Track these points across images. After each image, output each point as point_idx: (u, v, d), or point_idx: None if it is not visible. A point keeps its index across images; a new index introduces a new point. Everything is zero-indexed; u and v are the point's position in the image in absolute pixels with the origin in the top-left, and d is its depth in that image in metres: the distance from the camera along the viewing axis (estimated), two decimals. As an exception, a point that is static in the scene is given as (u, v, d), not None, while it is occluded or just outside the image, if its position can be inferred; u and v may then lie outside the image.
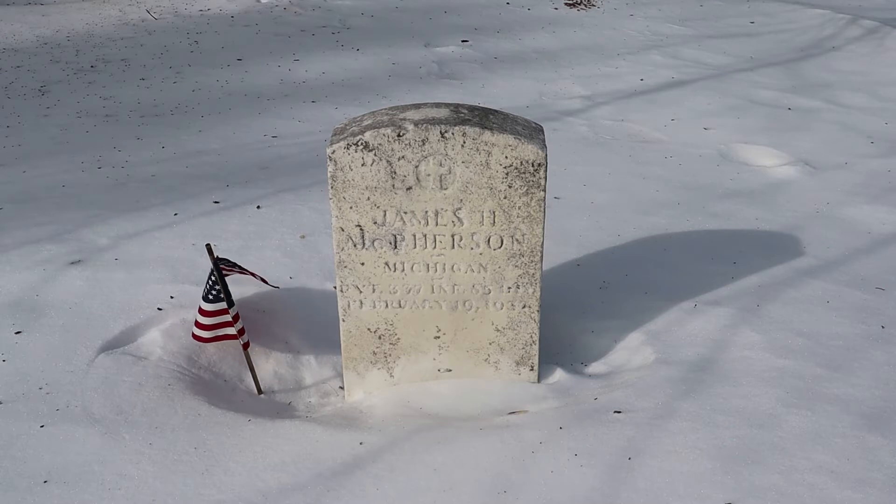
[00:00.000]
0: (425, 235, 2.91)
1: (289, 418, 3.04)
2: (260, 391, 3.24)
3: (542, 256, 2.96)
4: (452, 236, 2.91)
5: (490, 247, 2.93)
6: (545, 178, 2.83)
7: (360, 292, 3.00)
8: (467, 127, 2.75)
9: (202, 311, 3.14)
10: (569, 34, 7.86)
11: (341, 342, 3.10)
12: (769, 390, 2.96)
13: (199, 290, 3.32)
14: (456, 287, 3.00)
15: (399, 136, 2.76)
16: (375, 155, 2.78)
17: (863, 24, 7.89)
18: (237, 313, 3.16)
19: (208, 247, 3.11)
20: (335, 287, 3.07)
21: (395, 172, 2.81)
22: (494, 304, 3.03)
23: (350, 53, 7.28)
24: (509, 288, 3.00)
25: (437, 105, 2.90)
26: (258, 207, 4.38)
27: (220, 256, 3.16)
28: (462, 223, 2.89)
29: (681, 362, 3.15)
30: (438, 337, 3.09)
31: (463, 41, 7.61)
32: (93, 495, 2.56)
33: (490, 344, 3.10)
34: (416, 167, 2.80)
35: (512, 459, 2.65)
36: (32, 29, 7.79)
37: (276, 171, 4.91)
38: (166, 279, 3.67)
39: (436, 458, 2.68)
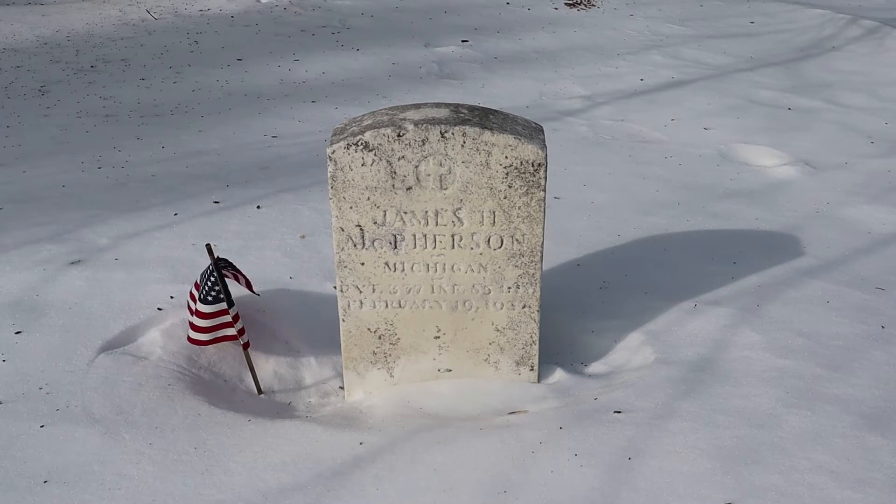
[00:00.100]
0: (425, 235, 2.90)
1: (289, 418, 3.04)
2: (260, 391, 3.24)
3: (542, 256, 2.96)
4: (452, 236, 2.91)
5: (490, 247, 2.92)
6: (545, 178, 2.83)
7: (360, 292, 3.00)
8: (467, 127, 2.75)
9: (199, 314, 3.11)
10: (569, 34, 7.86)
11: (341, 342, 3.10)
12: (769, 390, 2.96)
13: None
14: (456, 287, 3.00)
15: (399, 136, 2.76)
16: (375, 155, 2.78)
17: (863, 24, 7.88)
18: (237, 313, 3.16)
19: (208, 247, 3.11)
20: (335, 287, 3.07)
21: (395, 172, 2.81)
22: (494, 304, 3.03)
23: (350, 53, 7.27)
24: (509, 288, 3.00)
25: (437, 105, 2.90)
26: (258, 207, 4.38)
27: (220, 257, 3.16)
28: (462, 223, 2.88)
29: (681, 362, 3.15)
30: (438, 337, 3.09)
31: (463, 41, 7.61)
32: (93, 495, 2.56)
33: (490, 344, 3.10)
34: (416, 167, 2.80)
35: (512, 459, 2.65)
36: (32, 29, 7.78)
37: (276, 171, 4.91)
38: (166, 279, 3.67)
39: (436, 458, 2.67)
